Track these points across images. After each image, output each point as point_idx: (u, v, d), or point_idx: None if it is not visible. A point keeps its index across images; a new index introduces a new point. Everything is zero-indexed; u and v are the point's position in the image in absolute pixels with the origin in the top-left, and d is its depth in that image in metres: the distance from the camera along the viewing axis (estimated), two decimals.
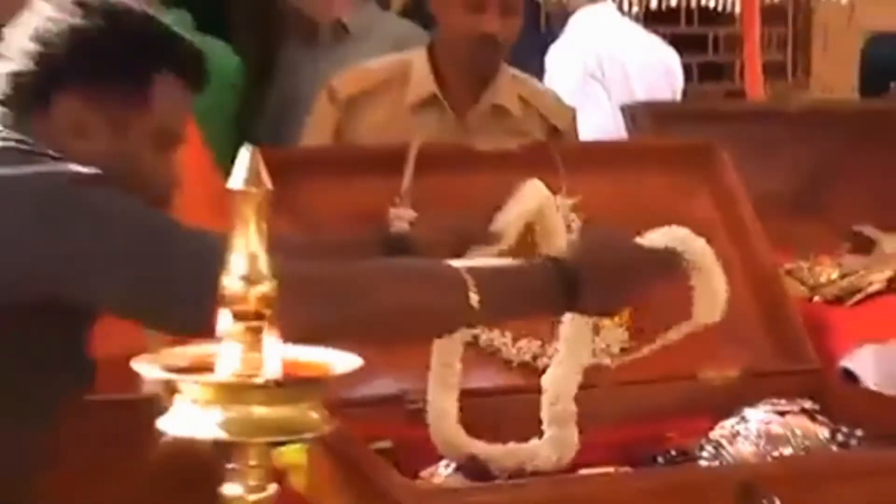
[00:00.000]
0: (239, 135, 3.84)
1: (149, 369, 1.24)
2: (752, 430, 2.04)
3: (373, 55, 3.64)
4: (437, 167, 2.46)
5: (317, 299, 1.69)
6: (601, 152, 2.64)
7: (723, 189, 2.56)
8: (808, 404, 2.11)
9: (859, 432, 2.08)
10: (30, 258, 1.68)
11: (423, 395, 2.10)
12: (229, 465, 1.27)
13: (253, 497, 1.27)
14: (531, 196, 2.19)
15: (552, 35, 4.93)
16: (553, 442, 1.99)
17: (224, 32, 4.38)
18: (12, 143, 1.77)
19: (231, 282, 1.24)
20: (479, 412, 2.06)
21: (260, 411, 1.23)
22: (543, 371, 2.33)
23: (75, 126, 1.79)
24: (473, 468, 1.90)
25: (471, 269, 1.76)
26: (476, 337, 2.35)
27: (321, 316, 1.68)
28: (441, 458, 2.00)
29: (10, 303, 1.68)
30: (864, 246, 2.75)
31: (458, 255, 2.01)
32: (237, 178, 1.24)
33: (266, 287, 1.24)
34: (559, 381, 2.03)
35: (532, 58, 4.48)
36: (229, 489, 1.27)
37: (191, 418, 1.24)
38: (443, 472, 1.97)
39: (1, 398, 1.76)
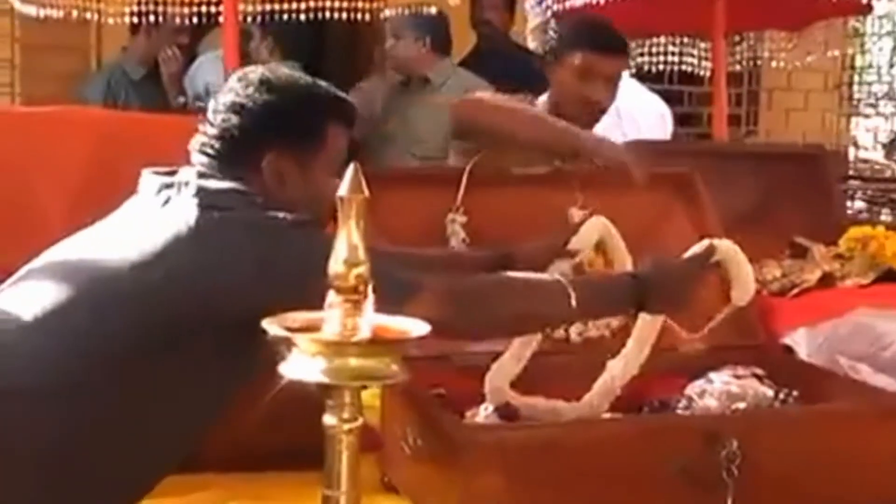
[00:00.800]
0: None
1: (272, 328, 1.24)
2: (716, 389, 2.03)
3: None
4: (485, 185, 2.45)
5: (465, 305, 1.75)
6: (608, 178, 2.61)
7: (698, 208, 2.55)
8: (758, 371, 2.10)
9: (796, 393, 2.06)
10: (248, 286, 1.67)
11: (468, 355, 2.10)
12: (330, 403, 1.27)
13: (346, 426, 1.27)
14: (595, 226, 2.22)
15: None
16: (587, 406, 1.98)
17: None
18: (236, 186, 1.77)
19: (336, 264, 1.24)
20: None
21: (354, 362, 1.23)
22: (558, 339, 2.35)
23: (277, 176, 1.79)
24: (507, 413, 1.89)
25: (571, 281, 1.85)
26: None
27: (468, 318, 1.76)
28: (481, 403, 1.99)
29: (219, 322, 1.67)
30: (800, 252, 2.73)
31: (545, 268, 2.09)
32: (344, 188, 1.24)
33: (362, 269, 1.24)
34: (621, 367, 2.03)
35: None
36: (329, 420, 1.27)
37: (303, 366, 1.24)
38: (482, 413, 1.96)
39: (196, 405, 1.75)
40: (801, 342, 2.38)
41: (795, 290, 2.57)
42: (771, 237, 2.85)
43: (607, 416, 2.06)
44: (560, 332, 2.32)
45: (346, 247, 1.24)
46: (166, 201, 1.74)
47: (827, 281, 2.59)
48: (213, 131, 1.82)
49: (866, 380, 2.22)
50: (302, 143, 1.82)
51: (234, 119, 1.80)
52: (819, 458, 1.79)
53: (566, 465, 1.68)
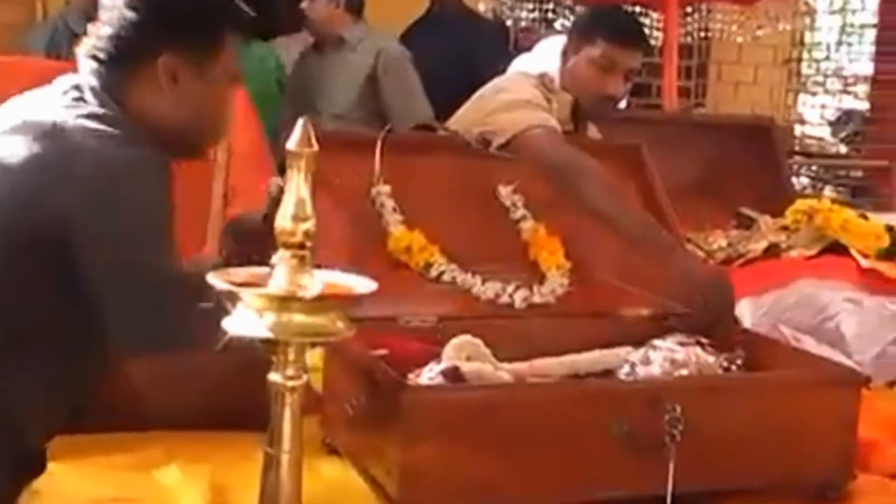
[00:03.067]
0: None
1: (218, 282, 1.23)
2: (660, 357, 2.04)
3: (363, 60, 4.18)
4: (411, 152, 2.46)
5: None
6: None
7: (645, 179, 2.56)
8: (702, 339, 2.11)
9: (739, 361, 2.08)
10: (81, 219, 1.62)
11: (413, 316, 2.12)
12: (274, 359, 1.26)
13: (290, 384, 1.26)
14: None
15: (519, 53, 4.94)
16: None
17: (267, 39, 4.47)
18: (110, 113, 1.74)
19: (283, 219, 1.23)
20: (448, 334, 2.05)
21: (300, 318, 1.22)
22: (502, 304, 2.36)
23: (171, 77, 1.77)
24: (453, 376, 1.88)
25: None
26: (454, 278, 2.35)
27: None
28: (425, 365, 1.98)
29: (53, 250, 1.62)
30: (747, 223, 2.75)
31: None
32: (293, 142, 1.23)
33: (309, 224, 1.23)
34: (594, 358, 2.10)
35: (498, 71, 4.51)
36: (273, 377, 1.27)
37: (248, 321, 1.23)
38: (426, 375, 1.95)
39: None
40: (746, 311, 2.41)
41: (741, 260, 2.60)
42: (718, 208, 2.87)
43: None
44: (505, 298, 2.33)
45: (294, 202, 1.23)
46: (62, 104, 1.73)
47: (772, 251, 2.61)
48: (106, 30, 1.79)
49: (809, 350, 2.25)
50: (197, 45, 1.80)
51: (129, 14, 1.77)
52: (760, 425, 1.80)
53: (507, 428, 1.69)
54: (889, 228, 2.64)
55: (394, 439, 1.67)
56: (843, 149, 7.48)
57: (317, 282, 1.22)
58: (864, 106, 6.43)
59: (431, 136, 2.58)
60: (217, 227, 2.29)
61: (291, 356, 1.25)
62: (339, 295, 1.25)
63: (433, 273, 2.35)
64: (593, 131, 2.79)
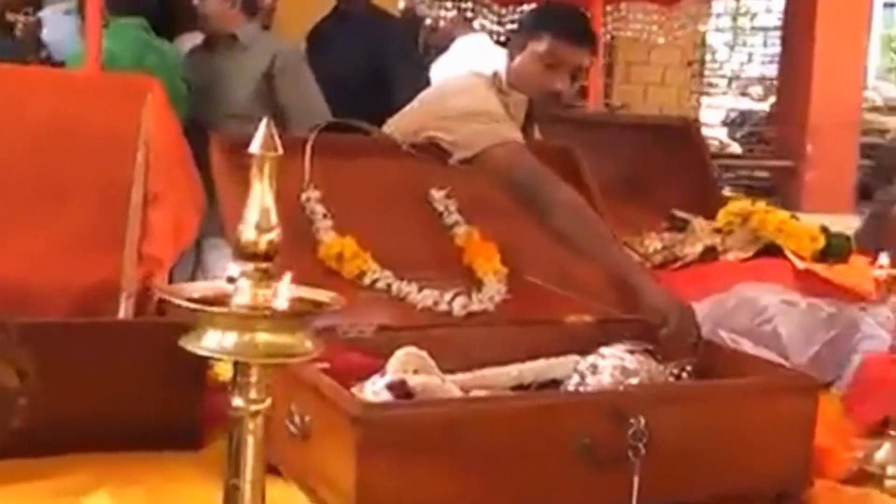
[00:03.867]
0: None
1: (179, 300, 1.12)
2: (609, 365, 1.97)
3: (257, 61, 4.10)
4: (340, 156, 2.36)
5: None
6: None
7: (578, 182, 2.50)
8: (649, 346, 2.05)
9: (689, 367, 2.02)
10: None
11: (353, 327, 2.02)
12: (237, 381, 1.16)
13: (254, 408, 1.16)
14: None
15: (429, 55, 4.89)
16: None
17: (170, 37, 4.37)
18: None
19: (246, 229, 1.13)
20: (388, 345, 1.96)
21: (265, 337, 1.12)
22: (440, 313, 2.28)
23: None
24: (400, 390, 1.79)
25: None
26: (389, 285, 2.26)
27: None
28: (367, 378, 1.89)
29: None
30: (680, 226, 2.71)
31: None
32: (256, 144, 1.12)
33: (274, 234, 1.13)
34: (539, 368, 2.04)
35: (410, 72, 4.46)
36: (235, 401, 1.17)
37: (209, 341, 1.13)
38: (368, 389, 1.86)
39: None
40: None
41: (678, 264, 2.55)
42: (648, 210, 2.82)
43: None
44: (443, 306, 2.24)
45: (258, 210, 1.13)
46: None
47: (708, 254, 2.57)
48: None
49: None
50: None
51: None
52: (721, 435, 1.75)
53: (466, 445, 1.60)
54: (824, 230, 2.61)
55: (346, 460, 1.57)
56: (737, 149, 7.55)
57: (282, 297, 1.12)
58: (761, 107, 6.48)
59: (362, 138, 2.48)
60: (136, 230, 2.16)
61: (254, 378, 1.15)
62: (306, 312, 1.16)
63: (367, 281, 2.26)
64: (535, 132, 2.73)
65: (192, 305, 1.11)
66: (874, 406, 2.26)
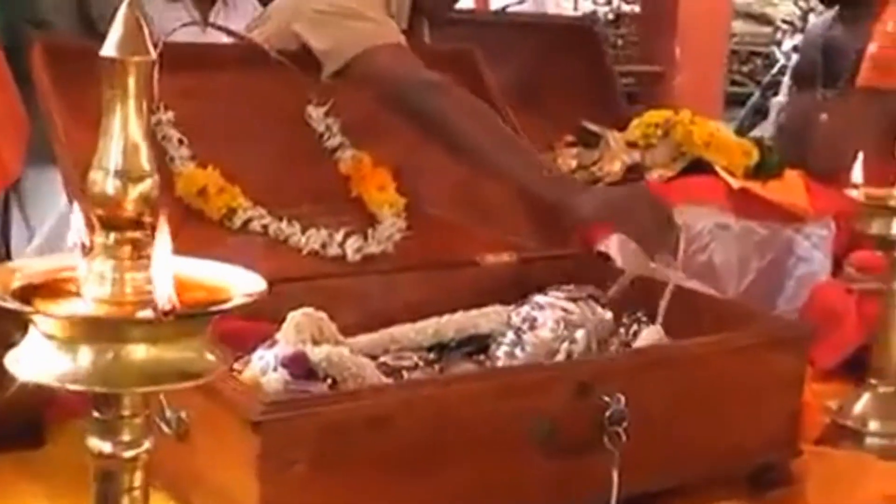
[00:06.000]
0: None
1: None
2: (549, 316, 1.59)
3: None
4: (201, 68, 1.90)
5: None
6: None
7: (480, 89, 2.09)
8: (591, 290, 1.68)
9: (640, 314, 1.67)
10: None
11: None
12: (96, 415, 0.74)
13: (128, 454, 0.74)
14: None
15: None
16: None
17: None
18: None
19: (101, 178, 0.70)
20: (273, 303, 1.53)
21: (141, 353, 0.70)
22: (331, 258, 1.87)
23: None
24: (299, 368, 1.37)
25: None
26: (265, 227, 1.84)
27: None
28: (252, 349, 1.48)
29: None
30: (588, 141, 2.34)
31: None
32: (111, 44, 0.69)
33: (147, 185, 0.71)
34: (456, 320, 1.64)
35: None
36: (96, 445, 0.74)
37: (45, 358, 0.70)
38: (256, 365, 1.44)
39: None
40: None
41: (598, 185, 2.18)
42: (550, 122, 2.44)
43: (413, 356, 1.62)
44: (334, 249, 1.83)
45: (119, 148, 0.70)
46: None
47: (632, 173, 2.21)
48: None
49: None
50: None
51: None
52: (711, 403, 1.40)
53: (401, 443, 1.21)
54: (757, 143, 2.28)
55: (243, 473, 1.16)
56: None
57: (164, 284, 0.70)
58: (629, 9, 6.14)
59: (220, 45, 2.02)
60: None
61: (128, 411, 0.73)
62: (205, 310, 0.74)
63: (237, 222, 1.83)
64: (425, 34, 2.28)
65: (15, 306, 0.68)
66: (832, 347, 1.95)
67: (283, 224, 1.84)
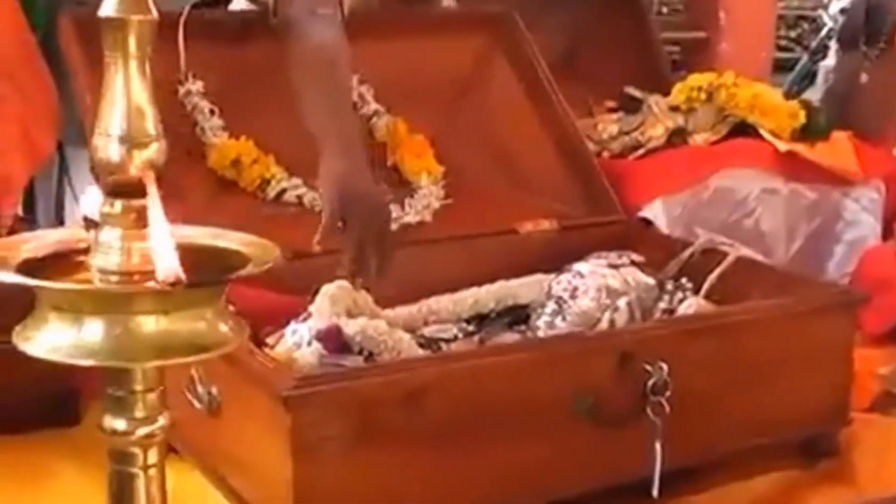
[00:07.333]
0: None
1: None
2: (591, 285, 1.55)
3: None
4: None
5: None
6: (399, 22, 2.06)
7: (520, 54, 2.04)
8: (634, 257, 1.63)
9: (685, 281, 1.62)
10: None
11: None
12: (109, 391, 0.71)
13: (142, 431, 0.71)
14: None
15: None
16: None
17: None
18: None
19: (104, 144, 0.67)
20: (307, 276, 1.50)
21: (151, 325, 0.67)
22: None
23: None
24: (333, 341, 1.34)
25: None
26: (300, 197, 1.80)
27: None
28: (286, 323, 1.44)
29: None
30: (631, 106, 2.28)
31: None
32: (110, 3, 0.66)
33: (153, 151, 0.67)
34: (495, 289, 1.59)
35: None
36: (111, 423, 0.71)
37: (53, 333, 0.67)
38: (290, 338, 1.41)
39: None
40: (659, 213, 1.95)
41: (641, 151, 2.13)
42: (591, 87, 2.38)
43: (451, 327, 1.58)
44: None
45: (121, 109, 0.67)
46: None
47: (676, 138, 2.15)
48: None
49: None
50: None
51: None
52: (759, 372, 1.35)
53: (437, 418, 1.17)
54: (804, 104, 2.21)
55: (276, 448, 1.13)
56: None
57: (167, 253, 0.66)
58: None
59: (246, 12, 1.95)
60: None
61: (140, 386, 0.70)
62: (216, 274, 0.70)
63: (272, 192, 1.79)
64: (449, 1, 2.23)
65: (21, 279, 0.65)
66: (882, 313, 1.88)
67: (318, 193, 1.80)
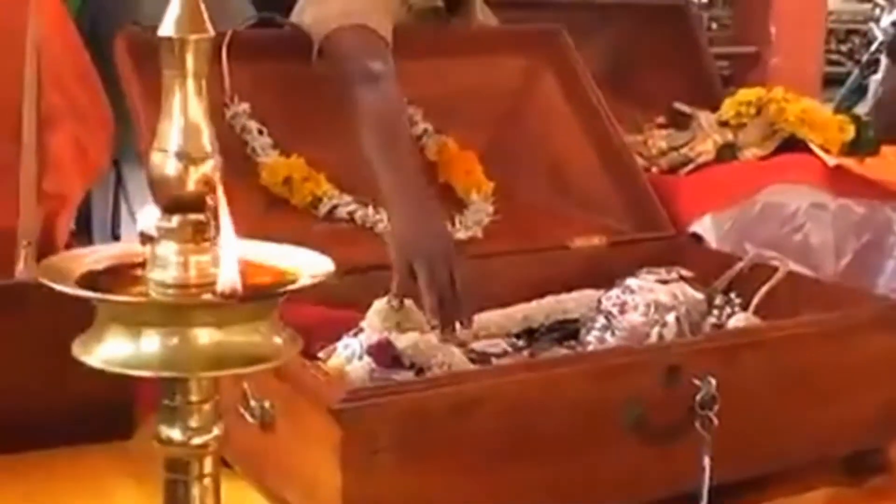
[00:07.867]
0: None
1: (60, 284, 0.68)
2: (640, 300, 1.55)
3: None
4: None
5: None
6: (447, 40, 2.08)
7: (568, 70, 2.05)
8: (684, 272, 1.64)
9: (734, 296, 1.62)
10: None
11: None
12: (164, 402, 0.73)
13: (198, 440, 0.72)
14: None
15: None
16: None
17: None
18: None
19: (163, 160, 0.68)
20: (359, 292, 1.51)
21: (206, 337, 0.68)
22: None
23: None
24: (384, 356, 1.36)
25: None
26: (351, 213, 1.82)
27: None
28: (337, 338, 1.46)
29: None
30: (681, 121, 2.28)
31: None
32: (168, 23, 0.67)
33: (208, 166, 0.69)
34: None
35: None
36: (164, 431, 0.73)
37: (111, 344, 0.69)
38: (341, 353, 1.43)
39: None
40: (709, 229, 1.94)
41: (690, 166, 2.13)
42: (640, 104, 2.39)
43: (501, 342, 1.59)
44: None
45: (180, 126, 0.69)
46: None
47: (725, 153, 2.15)
48: None
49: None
50: None
51: None
52: (809, 386, 1.35)
53: (486, 430, 1.18)
54: (854, 118, 2.21)
55: (327, 461, 1.15)
56: None
57: (230, 265, 0.68)
58: None
59: (291, 34, 1.95)
60: (31, 161, 1.70)
61: (195, 397, 0.71)
62: (272, 291, 0.72)
63: (323, 209, 1.82)
64: (487, 14, 2.21)
65: (79, 292, 0.66)
66: None
67: (370, 210, 1.82)
